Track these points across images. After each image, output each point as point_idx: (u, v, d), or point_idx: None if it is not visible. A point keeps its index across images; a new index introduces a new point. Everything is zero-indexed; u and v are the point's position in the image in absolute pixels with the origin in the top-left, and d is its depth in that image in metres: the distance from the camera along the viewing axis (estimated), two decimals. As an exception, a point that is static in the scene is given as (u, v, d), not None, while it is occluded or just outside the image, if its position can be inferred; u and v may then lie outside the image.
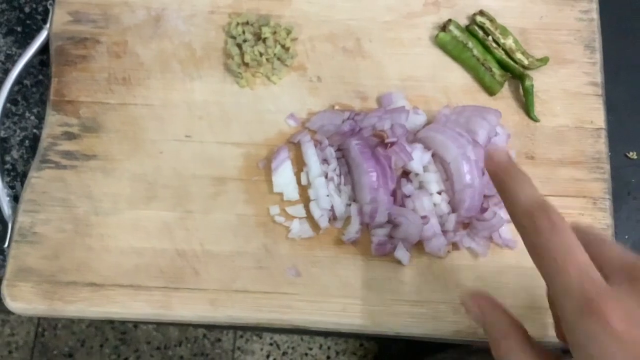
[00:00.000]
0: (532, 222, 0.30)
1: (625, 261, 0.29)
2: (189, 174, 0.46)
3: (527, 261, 0.29)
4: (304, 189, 0.45)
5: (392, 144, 0.43)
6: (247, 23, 0.49)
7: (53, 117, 0.47)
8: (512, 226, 0.44)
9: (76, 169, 0.46)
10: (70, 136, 0.46)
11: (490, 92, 0.48)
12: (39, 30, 0.51)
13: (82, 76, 0.48)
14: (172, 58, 0.49)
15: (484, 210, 0.43)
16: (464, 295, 0.33)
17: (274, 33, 0.49)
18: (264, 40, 0.48)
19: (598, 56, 0.49)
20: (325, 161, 0.45)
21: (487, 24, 0.49)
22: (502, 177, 0.32)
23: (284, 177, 0.45)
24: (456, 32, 0.49)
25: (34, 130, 0.49)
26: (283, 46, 0.49)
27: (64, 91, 0.48)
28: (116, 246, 0.44)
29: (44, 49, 0.50)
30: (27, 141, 0.49)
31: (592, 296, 0.26)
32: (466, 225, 0.44)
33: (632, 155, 0.49)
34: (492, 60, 0.48)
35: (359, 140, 0.44)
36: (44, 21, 0.52)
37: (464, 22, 0.50)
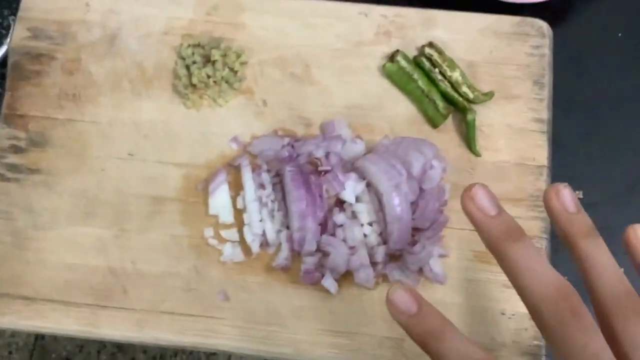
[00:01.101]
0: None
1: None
2: (129, 193, 0.47)
3: (457, 297, 0.29)
4: (239, 213, 0.46)
5: (326, 172, 0.44)
6: (199, 45, 0.50)
7: (3, 131, 0.48)
8: (443, 260, 0.44)
9: (20, 182, 0.47)
10: (17, 149, 0.48)
11: (434, 124, 0.48)
12: (2, 43, 0.53)
13: (35, 91, 0.49)
14: (123, 77, 0.49)
15: (414, 243, 0.43)
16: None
17: (224, 56, 0.49)
18: (213, 62, 0.49)
19: (546, 92, 0.48)
20: (261, 186, 0.46)
21: (435, 56, 0.49)
22: (414, 330, 0.29)
23: (220, 200, 0.46)
24: (403, 63, 0.49)
25: (-12, 142, 0.50)
26: (232, 69, 0.49)
27: (16, 105, 0.49)
28: (51, 261, 0.45)
29: (4, 62, 0.51)
30: (-21, 152, 0.50)
31: None
32: (397, 257, 0.44)
33: (578, 194, 0.49)
34: (437, 92, 0.48)
35: (293, 167, 0.44)
36: (8, 35, 0.53)
37: (413, 52, 0.50)
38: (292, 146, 0.46)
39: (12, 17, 0.52)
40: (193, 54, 0.49)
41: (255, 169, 0.46)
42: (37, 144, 0.48)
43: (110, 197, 0.46)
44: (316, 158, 0.45)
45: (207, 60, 0.49)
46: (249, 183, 0.45)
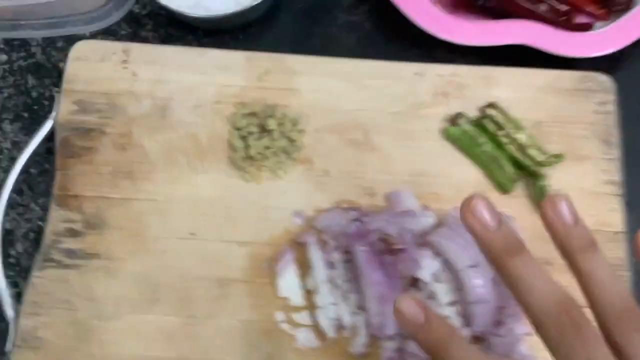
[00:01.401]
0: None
1: None
2: (193, 275, 0.45)
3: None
4: (310, 293, 0.44)
5: (400, 251, 0.42)
6: (253, 114, 0.48)
7: (56, 213, 0.46)
8: (531, 340, 0.43)
9: (79, 268, 0.45)
10: (73, 233, 0.46)
11: (503, 189, 0.46)
12: (46, 116, 0.51)
13: (87, 169, 0.47)
14: (178, 150, 0.48)
15: (498, 324, 0.42)
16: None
17: (280, 124, 0.48)
18: (270, 132, 0.48)
19: (616, 152, 0.47)
20: (331, 264, 0.44)
21: (499, 117, 0.47)
22: (423, 339, 0.29)
23: (289, 281, 0.44)
24: (467, 127, 0.47)
25: (39, 223, 0.49)
26: (289, 138, 0.48)
27: (68, 185, 0.47)
28: (117, 353, 0.43)
29: (51, 136, 0.49)
30: (31, 234, 0.49)
31: None
32: (481, 339, 0.43)
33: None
34: (504, 156, 0.47)
35: (365, 247, 0.43)
36: (51, 106, 0.51)
37: (474, 113, 0.49)
38: (361, 221, 0.45)
39: (56, 88, 0.50)
40: (248, 124, 0.48)
41: (323, 245, 0.45)
42: (93, 226, 0.46)
43: (174, 281, 0.45)
44: (388, 235, 0.43)
45: (263, 129, 0.48)
46: (320, 263, 0.44)
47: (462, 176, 0.47)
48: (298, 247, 0.46)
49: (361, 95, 0.49)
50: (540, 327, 0.28)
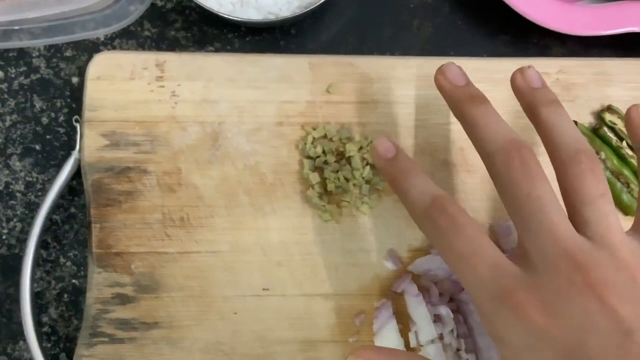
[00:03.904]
0: (431, 224, 0.29)
1: (550, 248, 0.27)
2: (273, 339, 0.38)
3: None
4: (413, 351, 0.38)
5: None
6: (326, 137, 0.40)
7: (99, 276, 0.38)
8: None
9: (136, 341, 0.38)
10: (123, 299, 0.38)
11: (627, 212, 0.40)
12: (63, 147, 0.42)
13: (130, 219, 0.39)
14: (238, 187, 0.39)
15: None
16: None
17: (361, 149, 0.39)
18: (349, 160, 0.39)
19: None
20: (438, 318, 0.38)
21: (619, 124, 0.40)
22: (389, 170, 0.32)
23: (390, 340, 0.38)
24: (584, 139, 0.40)
25: (73, 281, 0.41)
26: (372, 165, 0.39)
27: (109, 241, 0.38)
28: None
29: (73, 173, 0.40)
30: (65, 295, 0.40)
31: (507, 287, 0.27)
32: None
33: None
34: (630, 173, 0.39)
35: (483, 300, 0.36)
36: (67, 134, 0.42)
37: (587, 118, 0.41)
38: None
39: (76, 116, 0.40)
40: (324, 152, 0.39)
41: (423, 293, 0.38)
42: (147, 289, 0.38)
43: (251, 348, 0.38)
44: (509, 285, 0.36)
45: (341, 156, 0.39)
46: (425, 319, 0.37)
47: (580, 199, 0.40)
48: (394, 296, 0.39)
49: (452, 104, 0.41)
50: (488, 162, 0.30)
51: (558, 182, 0.30)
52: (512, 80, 0.33)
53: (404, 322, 0.38)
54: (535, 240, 0.28)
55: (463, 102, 0.32)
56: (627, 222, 0.39)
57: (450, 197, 0.30)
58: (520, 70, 0.32)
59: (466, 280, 0.28)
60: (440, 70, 0.33)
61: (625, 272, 0.27)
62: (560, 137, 0.30)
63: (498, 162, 0.29)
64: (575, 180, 0.29)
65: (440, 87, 0.33)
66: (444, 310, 0.37)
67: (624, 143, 0.40)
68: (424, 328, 0.37)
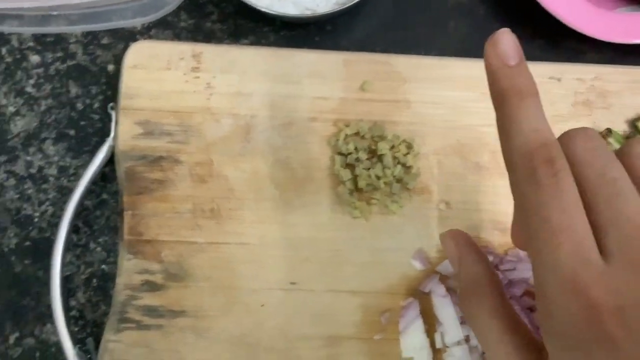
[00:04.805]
0: (529, 173, 0.23)
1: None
2: (298, 334, 0.38)
3: None
4: (439, 352, 0.38)
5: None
6: (358, 134, 0.40)
7: (129, 262, 0.38)
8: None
9: (162, 329, 0.38)
10: (152, 287, 0.38)
11: (659, 222, 0.39)
12: (96, 134, 0.42)
13: (161, 208, 0.39)
14: (268, 181, 0.40)
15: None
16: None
17: (392, 148, 0.39)
18: (381, 158, 0.39)
19: None
20: (464, 319, 0.37)
21: (654, 133, 0.40)
22: (503, 82, 0.25)
23: (416, 340, 0.38)
24: (617, 147, 0.39)
25: (103, 266, 0.41)
26: (404, 165, 0.39)
27: (140, 228, 0.39)
28: None
29: (107, 160, 0.41)
30: (94, 280, 0.41)
31: (585, 282, 0.21)
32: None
33: None
34: (663, 183, 0.39)
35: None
36: (101, 121, 0.42)
37: (622, 126, 0.41)
38: (499, 269, 0.38)
39: (111, 103, 0.41)
40: (356, 149, 0.39)
41: (451, 294, 0.38)
42: (175, 277, 0.38)
43: (276, 341, 0.38)
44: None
45: (372, 154, 0.40)
46: (452, 320, 0.37)
47: (611, 207, 0.40)
48: (422, 296, 0.39)
49: (487, 106, 0.40)
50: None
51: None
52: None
53: (431, 323, 0.38)
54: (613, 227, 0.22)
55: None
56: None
57: (559, 148, 0.24)
58: (493, 40, 0.25)
59: (540, 256, 0.23)
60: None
61: None
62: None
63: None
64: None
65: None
66: (471, 312, 0.37)
67: (659, 152, 0.39)
68: (451, 329, 0.37)
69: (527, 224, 0.23)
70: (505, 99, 0.25)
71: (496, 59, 0.25)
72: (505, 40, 0.25)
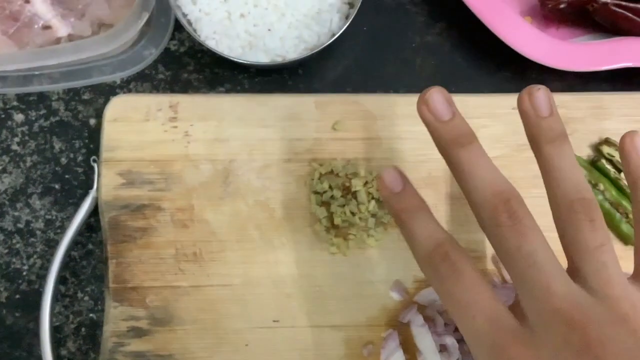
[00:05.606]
0: (433, 269, 0.28)
1: (544, 306, 0.26)
2: (284, 370, 0.39)
3: None
4: (421, 381, 0.39)
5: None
6: (332, 172, 0.41)
7: (115, 310, 0.40)
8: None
9: (151, 374, 0.39)
10: (139, 333, 0.39)
11: (628, 242, 0.41)
12: (81, 186, 0.43)
13: (145, 254, 0.40)
14: (248, 222, 0.41)
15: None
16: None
17: (365, 184, 0.41)
18: (355, 194, 0.41)
19: None
20: (443, 347, 0.38)
21: (617, 156, 0.41)
22: (394, 205, 0.31)
23: (398, 371, 0.39)
24: (583, 172, 0.41)
25: (91, 315, 0.42)
26: (378, 200, 0.41)
27: (125, 275, 0.40)
28: None
29: (91, 211, 0.42)
30: (83, 329, 0.42)
31: (503, 342, 0.26)
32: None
33: None
34: (629, 203, 0.40)
35: (488, 330, 0.37)
36: (85, 174, 0.44)
37: (586, 151, 0.42)
38: (475, 296, 0.39)
39: (93, 157, 0.42)
40: (330, 187, 0.41)
41: (429, 324, 0.39)
42: (161, 322, 0.39)
43: (263, 379, 0.39)
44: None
45: (347, 191, 0.41)
46: (429, 348, 0.38)
47: (581, 229, 0.41)
48: (401, 326, 0.40)
49: (454, 139, 0.42)
50: (478, 216, 0.29)
51: (556, 227, 0.29)
52: (519, 102, 0.30)
53: (411, 352, 0.39)
54: (530, 298, 0.26)
55: (449, 144, 0.29)
56: (628, 252, 0.40)
57: (454, 241, 0.29)
58: (529, 92, 0.29)
59: (463, 329, 0.27)
60: (423, 99, 0.29)
61: (624, 327, 0.25)
62: (559, 182, 0.28)
63: (485, 216, 0.28)
64: (573, 230, 0.28)
65: (423, 119, 0.30)
66: (450, 340, 0.38)
67: (622, 174, 0.41)
68: (430, 358, 0.38)
69: (447, 308, 0.28)
70: (400, 219, 0.30)
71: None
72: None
